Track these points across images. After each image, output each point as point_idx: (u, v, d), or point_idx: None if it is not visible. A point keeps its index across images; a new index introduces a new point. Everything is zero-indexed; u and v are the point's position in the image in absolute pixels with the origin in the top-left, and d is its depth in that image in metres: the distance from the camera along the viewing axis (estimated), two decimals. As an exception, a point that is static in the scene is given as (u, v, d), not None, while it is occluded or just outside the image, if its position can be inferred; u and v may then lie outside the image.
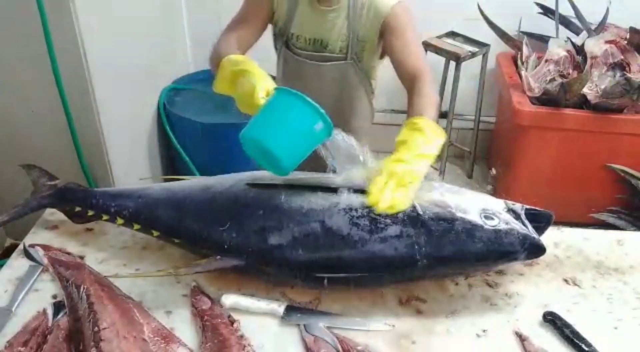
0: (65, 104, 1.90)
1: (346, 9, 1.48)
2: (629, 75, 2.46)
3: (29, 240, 1.31)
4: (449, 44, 2.83)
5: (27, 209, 1.31)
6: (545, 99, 2.53)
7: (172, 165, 2.72)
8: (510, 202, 1.22)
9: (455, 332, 1.12)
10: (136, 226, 1.26)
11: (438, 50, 2.80)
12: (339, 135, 1.16)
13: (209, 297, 1.16)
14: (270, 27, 1.60)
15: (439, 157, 3.01)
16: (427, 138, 1.16)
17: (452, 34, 2.92)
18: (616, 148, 2.57)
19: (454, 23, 2.93)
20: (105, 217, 1.28)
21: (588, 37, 2.70)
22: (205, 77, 2.74)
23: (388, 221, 1.12)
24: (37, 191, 1.33)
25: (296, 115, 1.11)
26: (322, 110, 1.11)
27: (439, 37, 2.88)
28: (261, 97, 1.14)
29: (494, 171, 2.85)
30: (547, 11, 2.89)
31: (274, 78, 1.29)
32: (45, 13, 1.74)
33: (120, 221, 1.26)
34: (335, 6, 1.48)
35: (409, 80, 1.41)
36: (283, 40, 1.58)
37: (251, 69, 1.21)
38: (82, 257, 1.27)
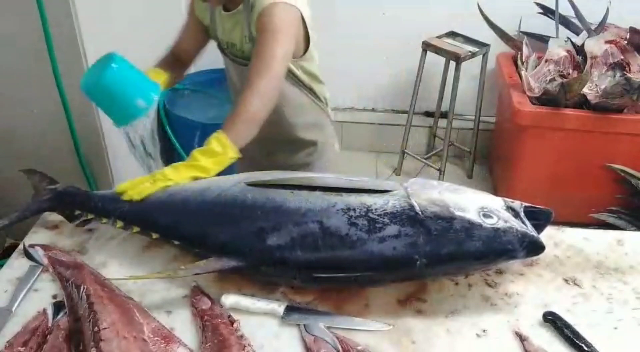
0: (66, 104, 1.90)
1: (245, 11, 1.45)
2: (629, 75, 2.46)
3: (29, 240, 1.31)
4: (449, 44, 2.83)
5: (27, 213, 1.31)
6: (545, 99, 2.53)
7: (172, 166, 2.72)
8: (509, 200, 1.22)
9: (455, 332, 1.12)
10: (135, 229, 1.25)
11: (438, 50, 2.80)
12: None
13: (209, 297, 1.16)
14: None
15: (439, 157, 3.04)
16: (207, 152, 1.27)
17: (452, 34, 2.92)
18: (616, 148, 2.58)
19: (454, 23, 2.93)
20: (104, 220, 1.28)
21: (588, 37, 2.70)
22: (206, 78, 2.75)
23: (386, 220, 1.12)
24: (38, 195, 1.33)
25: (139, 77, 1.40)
26: (155, 100, 1.38)
27: (439, 37, 2.88)
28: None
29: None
30: (547, 11, 2.89)
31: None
32: (45, 13, 1.74)
33: (119, 223, 1.26)
34: (236, 9, 1.45)
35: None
36: (220, 48, 1.60)
37: None
38: (82, 258, 1.27)
